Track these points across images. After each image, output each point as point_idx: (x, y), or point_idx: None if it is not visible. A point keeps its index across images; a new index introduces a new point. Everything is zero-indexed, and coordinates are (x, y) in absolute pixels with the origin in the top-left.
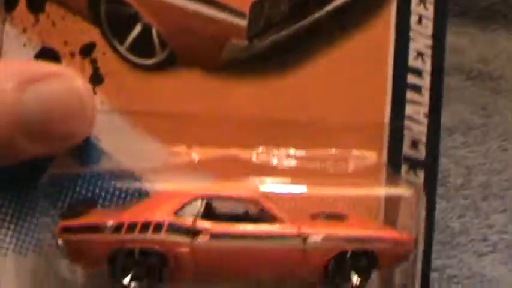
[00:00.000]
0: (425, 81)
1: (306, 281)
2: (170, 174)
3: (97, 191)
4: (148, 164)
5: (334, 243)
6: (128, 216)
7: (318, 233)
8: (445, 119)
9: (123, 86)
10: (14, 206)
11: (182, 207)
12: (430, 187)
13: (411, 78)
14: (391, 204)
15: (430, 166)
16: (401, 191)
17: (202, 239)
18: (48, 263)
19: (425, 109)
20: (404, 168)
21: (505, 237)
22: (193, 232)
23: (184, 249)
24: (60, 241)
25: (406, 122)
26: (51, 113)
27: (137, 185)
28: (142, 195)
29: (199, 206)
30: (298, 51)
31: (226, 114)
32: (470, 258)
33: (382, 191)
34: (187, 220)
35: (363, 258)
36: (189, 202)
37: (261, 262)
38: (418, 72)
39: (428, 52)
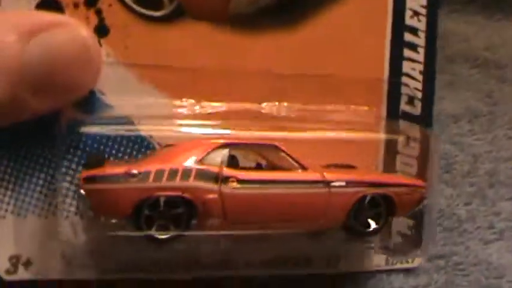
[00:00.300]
0: (421, 40)
1: (328, 227)
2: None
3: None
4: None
5: (356, 188)
6: (152, 164)
7: (341, 178)
8: (451, 106)
9: (130, 38)
10: (13, 166)
11: (207, 155)
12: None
13: (408, 37)
14: (391, 149)
15: (425, 122)
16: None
17: (230, 186)
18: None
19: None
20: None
21: (511, 225)
22: (222, 179)
23: (213, 196)
24: (83, 191)
25: (404, 79)
26: (56, 64)
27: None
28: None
29: (223, 154)
30: (303, 7)
31: (234, 68)
32: (477, 246)
33: (381, 136)
34: (214, 167)
35: (382, 203)
36: (214, 150)
37: (287, 208)
38: (414, 31)
39: (423, 11)
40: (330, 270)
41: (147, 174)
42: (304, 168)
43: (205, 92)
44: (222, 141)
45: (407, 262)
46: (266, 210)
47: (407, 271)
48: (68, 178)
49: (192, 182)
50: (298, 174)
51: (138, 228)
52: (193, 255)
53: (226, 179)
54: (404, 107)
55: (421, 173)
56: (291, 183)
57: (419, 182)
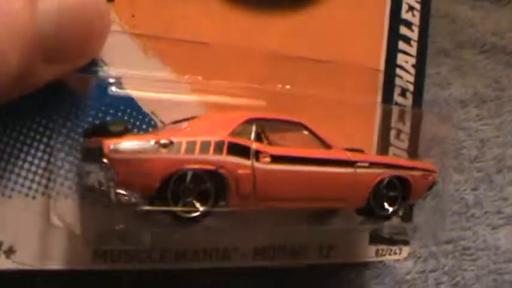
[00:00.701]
0: (415, 34)
1: (350, 208)
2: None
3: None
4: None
5: (378, 169)
6: (180, 136)
7: (364, 159)
8: (458, 91)
9: (137, 7)
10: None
11: (237, 128)
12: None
13: (403, 30)
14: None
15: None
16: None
17: (262, 161)
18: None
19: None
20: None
21: None
22: (254, 154)
23: (246, 172)
24: (107, 161)
25: (397, 70)
26: (68, 26)
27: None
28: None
29: (252, 128)
30: None
31: (239, 45)
32: (485, 231)
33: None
34: (245, 141)
35: (398, 186)
36: (243, 124)
37: (316, 187)
38: (409, 25)
39: (418, 6)
40: (322, 260)
41: (178, 145)
42: (328, 146)
43: (210, 68)
44: (249, 115)
45: (395, 253)
46: (295, 188)
47: (415, 257)
48: (67, 149)
49: (225, 157)
50: (326, 153)
51: (165, 204)
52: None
53: (258, 154)
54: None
55: (412, 150)
56: (320, 161)
57: (431, 167)
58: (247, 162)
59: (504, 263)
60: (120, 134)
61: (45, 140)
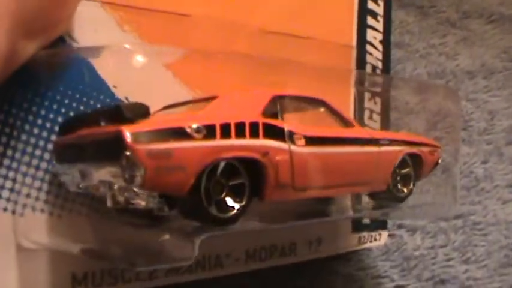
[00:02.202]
0: (380, 9)
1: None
2: None
3: None
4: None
5: (397, 146)
6: (208, 118)
7: (385, 136)
8: (466, 62)
9: None
10: None
11: (266, 107)
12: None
13: (370, 4)
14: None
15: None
16: None
17: (298, 144)
18: None
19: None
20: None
21: None
22: (290, 136)
23: (284, 157)
24: (129, 153)
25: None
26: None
27: None
28: None
29: (277, 106)
30: None
31: (220, 19)
32: (495, 205)
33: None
34: (279, 122)
35: (410, 164)
36: (270, 102)
37: (348, 169)
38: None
39: None
40: (312, 255)
41: (212, 129)
42: (350, 124)
43: (191, 42)
44: (272, 92)
45: (376, 240)
46: (329, 172)
47: (423, 232)
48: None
49: (263, 141)
50: (352, 131)
51: (196, 206)
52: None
53: (292, 136)
54: None
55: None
56: (350, 141)
57: (436, 143)
58: (285, 146)
59: None
60: (138, 118)
61: (3, 139)
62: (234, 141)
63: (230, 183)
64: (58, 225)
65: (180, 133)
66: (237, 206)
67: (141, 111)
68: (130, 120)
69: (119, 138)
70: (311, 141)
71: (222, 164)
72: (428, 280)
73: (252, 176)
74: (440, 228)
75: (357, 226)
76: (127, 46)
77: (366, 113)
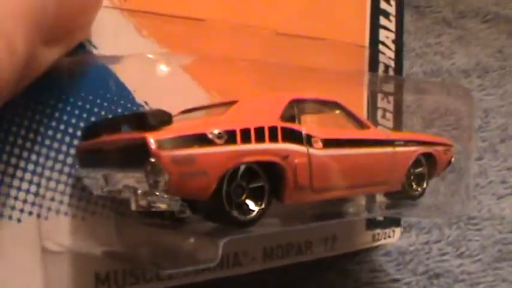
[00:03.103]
0: (392, 9)
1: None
2: None
3: None
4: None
5: (411, 147)
6: (228, 123)
7: (400, 137)
8: (461, 61)
9: None
10: None
11: (284, 111)
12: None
13: (383, 5)
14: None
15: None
16: None
17: (316, 146)
18: None
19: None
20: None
21: None
22: (307, 139)
23: (303, 160)
24: (154, 159)
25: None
26: (67, 5)
27: None
28: None
29: (294, 110)
30: None
31: (236, 23)
32: (490, 200)
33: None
34: (296, 125)
35: (424, 164)
36: (287, 106)
37: (365, 170)
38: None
39: None
40: (328, 253)
41: (232, 134)
42: (365, 126)
43: (207, 46)
44: (289, 96)
45: (389, 237)
46: (347, 174)
47: (418, 228)
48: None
49: (282, 144)
50: (368, 133)
51: (218, 209)
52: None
53: (310, 139)
54: None
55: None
56: (366, 143)
57: (449, 142)
58: (303, 149)
59: (510, 233)
60: (160, 126)
61: (27, 144)
62: (254, 146)
63: (250, 186)
64: (81, 227)
65: (202, 139)
66: (257, 208)
67: (164, 118)
68: (154, 127)
69: (143, 145)
70: (328, 143)
71: (243, 168)
72: (422, 274)
73: (271, 178)
74: (435, 224)
75: (371, 223)
76: (150, 56)
77: (379, 112)
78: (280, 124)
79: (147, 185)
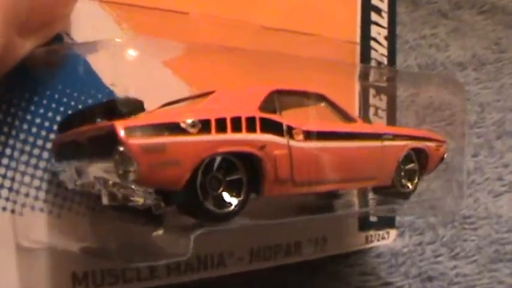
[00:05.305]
0: (384, 4)
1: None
2: None
3: None
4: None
5: (401, 141)
6: (202, 112)
7: (388, 131)
8: (457, 53)
9: None
10: None
11: (263, 101)
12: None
13: (374, 1)
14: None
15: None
16: None
17: (297, 138)
18: None
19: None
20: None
21: None
22: (287, 130)
23: (283, 152)
24: (124, 148)
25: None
26: None
27: None
28: None
29: (275, 101)
30: None
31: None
32: (486, 198)
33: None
34: (276, 116)
35: (415, 160)
36: (268, 97)
37: (349, 164)
38: None
39: None
40: (318, 254)
41: (207, 124)
42: (351, 119)
43: (190, 41)
44: (271, 87)
45: (384, 238)
46: (330, 167)
47: (411, 229)
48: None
49: (260, 135)
50: (353, 126)
51: (192, 201)
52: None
53: (291, 131)
54: None
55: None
56: (350, 136)
57: (442, 138)
58: (283, 141)
59: (507, 232)
60: (131, 114)
61: (1, 138)
62: (230, 136)
63: (227, 179)
64: (57, 224)
65: (174, 128)
66: (234, 201)
67: (135, 106)
68: (124, 115)
69: (111, 133)
70: (310, 136)
71: (219, 159)
72: (415, 277)
73: (249, 171)
74: (429, 224)
75: (364, 224)
76: (118, 40)
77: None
78: (258, 114)
79: (116, 175)
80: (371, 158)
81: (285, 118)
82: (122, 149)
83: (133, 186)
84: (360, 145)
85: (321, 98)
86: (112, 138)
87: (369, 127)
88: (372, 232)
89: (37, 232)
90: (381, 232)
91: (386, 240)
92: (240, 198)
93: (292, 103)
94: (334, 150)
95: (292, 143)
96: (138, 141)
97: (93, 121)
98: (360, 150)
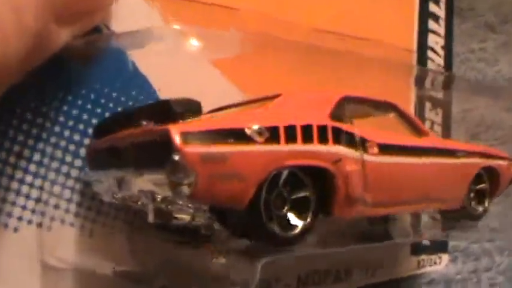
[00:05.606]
0: (442, 12)
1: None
2: None
3: None
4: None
5: (474, 158)
6: (271, 119)
7: (461, 147)
8: (507, 68)
9: None
10: None
11: (334, 109)
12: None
13: (432, 7)
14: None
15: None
16: None
17: (371, 152)
18: None
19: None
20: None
21: None
22: (362, 143)
23: (356, 167)
24: (178, 157)
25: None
26: None
27: None
28: None
29: (344, 109)
30: None
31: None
32: None
33: None
34: (349, 126)
35: (486, 180)
36: (338, 104)
37: (424, 179)
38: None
39: None
40: (368, 280)
41: (275, 132)
42: (423, 132)
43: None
44: (342, 93)
45: (435, 263)
46: (404, 184)
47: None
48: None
49: (332, 147)
50: (426, 141)
51: (254, 222)
52: None
53: (364, 144)
54: None
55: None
56: (426, 151)
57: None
58: (356, 154)
59: None
60: (185, 118)
61: (30, 141)
62: (300, 147)
63: (293, 197)
64: (89, 241)
65: (238, 135)
66: (300, 223)
67: (192, 108)
68: (179, 118)
69: (165, 138)
70: (385, 149)
71: (285, 173)
72: None
73: (318, 188)
74: (484, 250)
75: (417, 248)
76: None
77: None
78: (330, 123)
79: (168, 188)
80: (444, 176)
81: (357, 128)
82: (176, 157)
83: (185, 203)
84: (435, 162)
85: (392, 107)
86: (165, 144)
87: (441, 142)
88: (424, 257)
89: (65, 249)
90: (433, 257)
91: (438, 265)
92: (306, 220)
93: (359, 111)
94: (408, 167)
95: (366, 157)
96: (196, 149)
97: (138, 124)
98: (435, 167)
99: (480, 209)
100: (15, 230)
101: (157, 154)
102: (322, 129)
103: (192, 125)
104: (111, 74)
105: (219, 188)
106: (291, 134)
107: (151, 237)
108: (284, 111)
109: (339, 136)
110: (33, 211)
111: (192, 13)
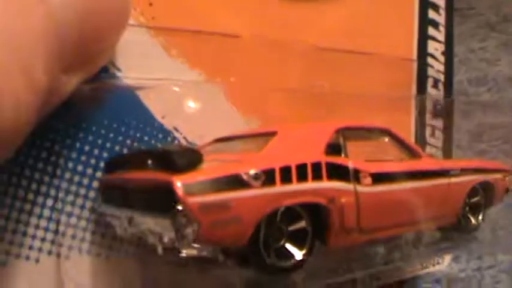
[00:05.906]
0: (442, 18)
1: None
2: None
3: None
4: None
5: (468, 176)
6: (266, 161)
7: (455, 166)
8: (507, 68)
9: None
10: None
11: (329, 143)
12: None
13: (431, 14)
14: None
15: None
16: None
17: (364, 183)
18: None
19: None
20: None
21: None
22: (354, 174)
23: (349, 199)
24: (181, 207)
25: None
26: (91, 23)
27: None
28: None
29: (340, 140)
30: None
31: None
32: None
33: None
34: (343, 159)
35: (480, 193)
36: (333, 136)
37: (417, 203)
38: (436, 8)
39: None
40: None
41: (271, 174)
42: (417, 155)
43: (242, 66)
44: (336, 125)
45: (438, 263)
46: (398, 210)
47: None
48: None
49: (327, 183)
50: (420, 163)
51: (253, 255)
52: None
53: (357, 175)
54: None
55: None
56: (419, 174)
57: (506, 166)
58: (349, 187)
59: None
60: (190, 167)
61: (46, 178)
62: (295, 187)
63: (290, 229)
64: (106, 267)
65: (236, 181)
66: (298, 253)
67: (193, 159)
68: (181, 169)
69: (169, 189)
70: (378, 179)
71: (282, 209)
72: None
73: (314, 220)
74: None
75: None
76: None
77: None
78: (324, 159)
79: (174, 234)
80: (438, 197)
81: (351, 158)
82: (180, 208)
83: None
84: (428, 184)
85: (386, 132)
86: (170, 194)
87: (435, 163)
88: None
89: (84, 276)
90: (435, 257)
91: (441, 265)
92: (303, 250)
93: (355, 139)
94: (402, 192)
95: (359, 188)
96: (198, 199)
97: (145, 166)
98: (428, 189)
99: (474, 222)
100: (37, 261)
101: (163, 201)
102: (317, 167)
103: (194, 175)
104: (119, 110)
105: (221, 232)
106: (286, 175)
107: (162, 260)
108: (280, 150)
109: (333, 171)
110: (52, 242)
111: (194, 44)
